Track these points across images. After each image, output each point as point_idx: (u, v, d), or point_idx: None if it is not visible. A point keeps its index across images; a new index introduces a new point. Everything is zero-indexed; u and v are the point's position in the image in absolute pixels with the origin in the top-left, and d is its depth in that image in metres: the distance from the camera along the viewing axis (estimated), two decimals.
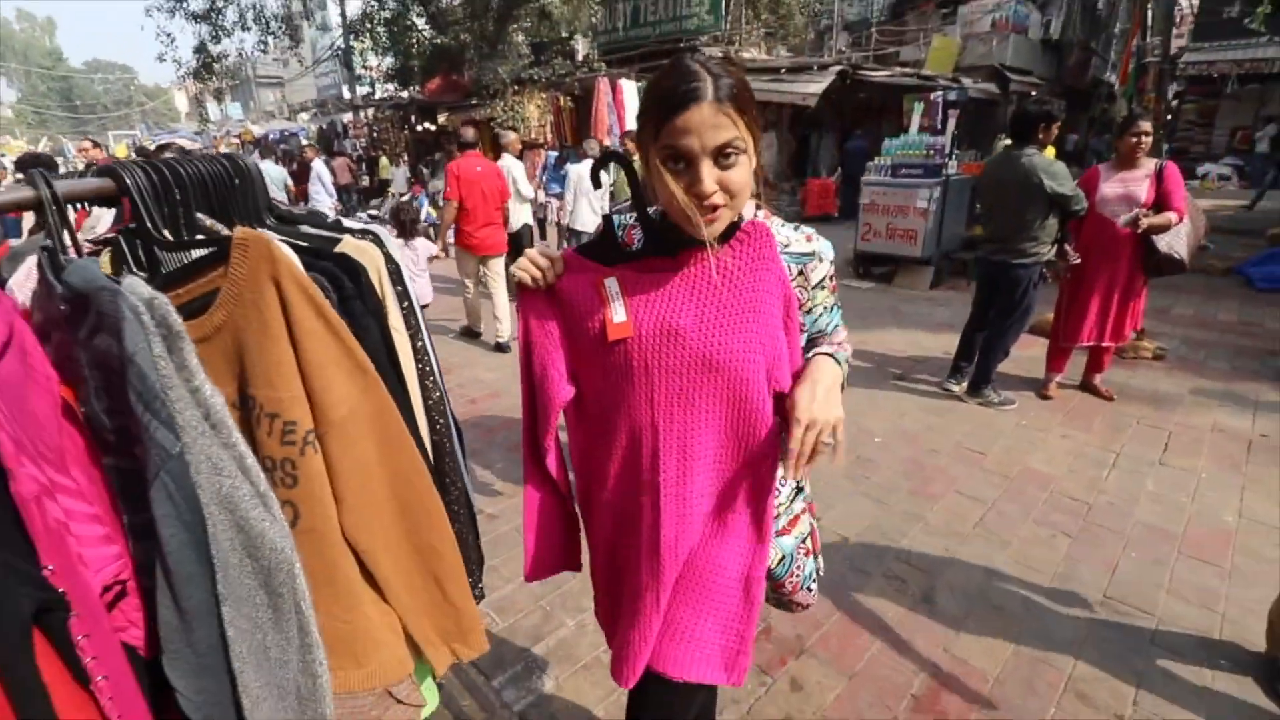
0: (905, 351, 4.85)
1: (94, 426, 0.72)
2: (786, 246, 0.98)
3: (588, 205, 5.79)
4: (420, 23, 12.98)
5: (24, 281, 0.88)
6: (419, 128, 15.07)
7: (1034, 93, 13.85)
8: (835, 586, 2.31)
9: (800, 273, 0.98)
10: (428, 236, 5.45)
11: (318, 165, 8.47)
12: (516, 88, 11.82)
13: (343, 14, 15.48)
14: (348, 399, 0.78)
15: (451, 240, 5.42)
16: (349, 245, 0.99)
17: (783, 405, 0.93)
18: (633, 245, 1.00)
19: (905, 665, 1.99)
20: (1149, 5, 9.80)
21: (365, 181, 14.98)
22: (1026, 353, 4.37)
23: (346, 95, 18.52)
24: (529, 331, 1.00)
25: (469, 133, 5.25)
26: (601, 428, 0.99)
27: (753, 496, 0.96)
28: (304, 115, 24.91)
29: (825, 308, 1.04)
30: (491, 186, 4.96)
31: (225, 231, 0.82)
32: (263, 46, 13.81)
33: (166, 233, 0.78)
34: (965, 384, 3.97)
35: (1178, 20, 12.71)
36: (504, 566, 2.48)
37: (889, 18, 18.16)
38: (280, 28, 13.36)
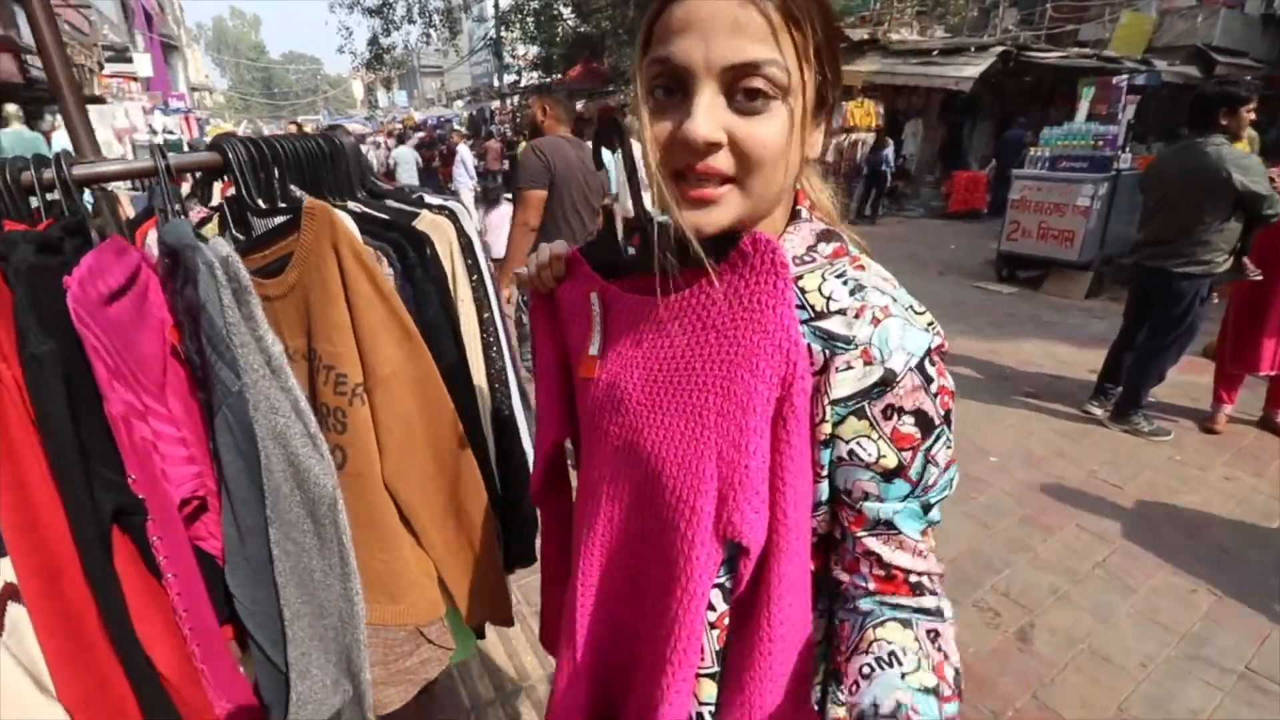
0: (1043, 366, 4.37)
1: (190, 366, 0.85)
2: (821, 312, 0.55)
3: None
4: (566, 12, 13.50)
5: None
6: None
7: (1249, 77, 11.81)
8: None
9: (823, 367, 0.54)
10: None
11: (462, 150, 9.16)
12: None
13: (495, 4, 16.43)
14: (392, 360, 0.85)
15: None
16: (424, 220, 1.07)
17: (735, 561, 0.57)
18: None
19: (984, 705, 1.83)
20: None
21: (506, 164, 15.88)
22: (1194, 378, 3.78)
23: (496, 84, 19.67)
24: (534, 352, 0.80)
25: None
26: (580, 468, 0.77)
27: (669, 665, 0.58)
28: (459, 102, 26.83)
29: (864, 460, 0.53)
30: None
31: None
32: (426, 38, 15.06)
33: (260, 201, 0.89)
34: (1110, 407, 3.52)
35: None
36: None
37: None
38: (442, 20, 14.48)
